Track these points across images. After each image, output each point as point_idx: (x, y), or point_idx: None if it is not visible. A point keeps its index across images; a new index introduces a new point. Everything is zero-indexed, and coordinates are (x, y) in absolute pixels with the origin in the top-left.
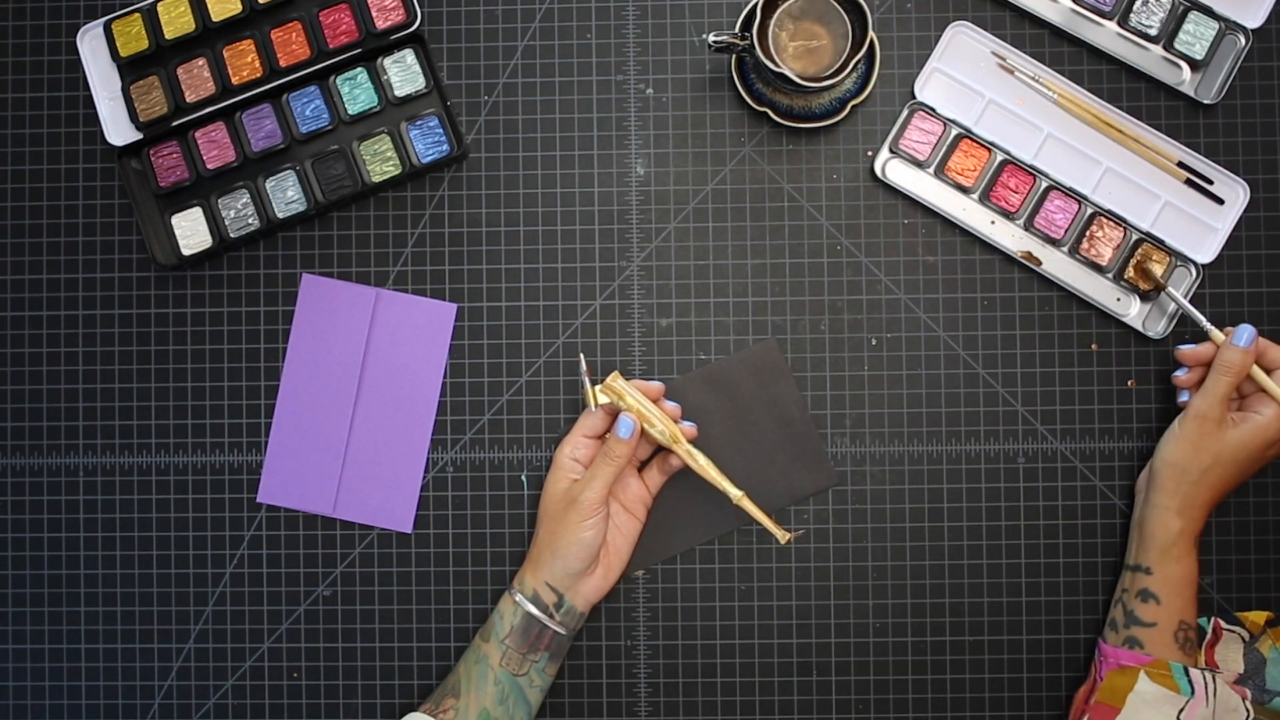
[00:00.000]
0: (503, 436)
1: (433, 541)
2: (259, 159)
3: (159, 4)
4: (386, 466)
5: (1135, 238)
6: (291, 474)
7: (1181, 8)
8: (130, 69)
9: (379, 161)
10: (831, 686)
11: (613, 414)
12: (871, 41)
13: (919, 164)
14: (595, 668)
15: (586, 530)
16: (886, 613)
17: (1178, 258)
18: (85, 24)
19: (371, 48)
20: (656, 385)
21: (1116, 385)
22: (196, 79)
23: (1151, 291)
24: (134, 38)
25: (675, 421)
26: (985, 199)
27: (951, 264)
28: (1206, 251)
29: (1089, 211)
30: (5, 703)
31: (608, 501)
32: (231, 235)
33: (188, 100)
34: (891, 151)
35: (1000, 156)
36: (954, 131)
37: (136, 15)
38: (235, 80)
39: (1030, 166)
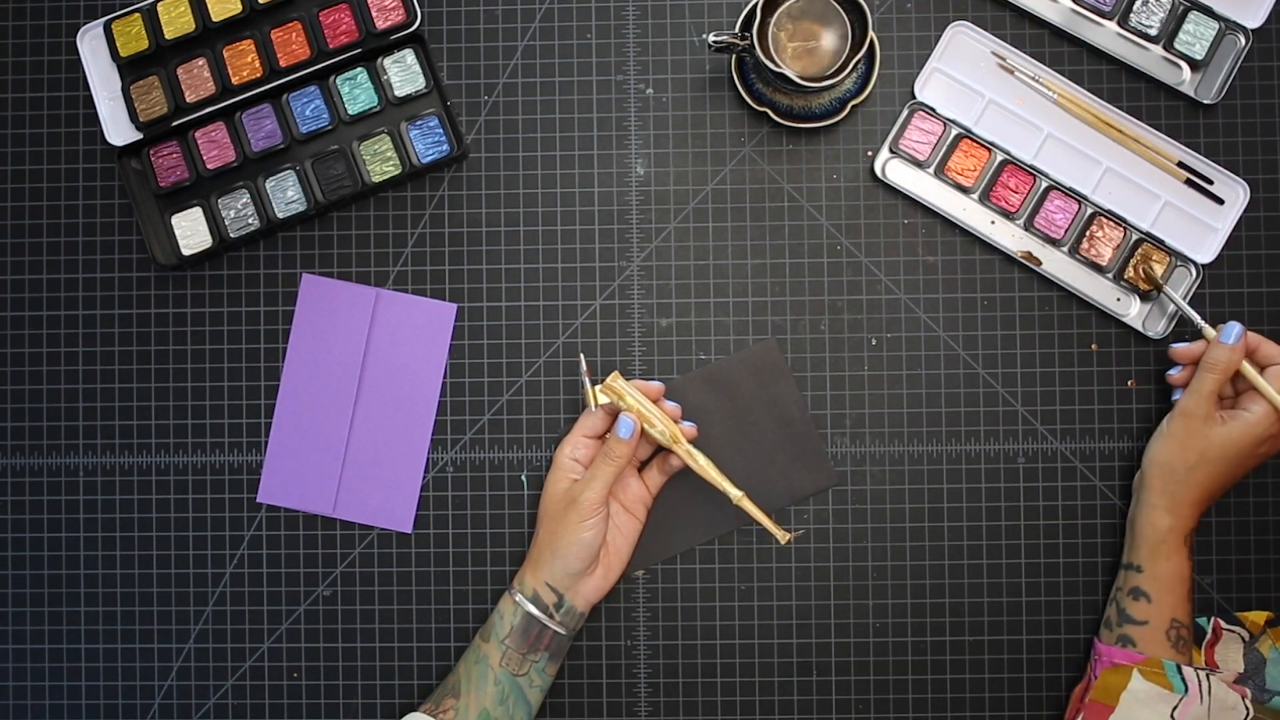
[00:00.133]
0: (503, 436)
1: (433, 541)
2: (259, 159)
3: (159, 4)
4: (386, 466)
5: (1135, 238)
6: (291, 474)
7: (1181, 8)
8: (130, 69)
9: (379, 161)
10: (831, 686)
11: (613, 414)
12: (871, 41)
13: (919, 164)
14: (595, 668)
15: (586, 530)
16: (886, 613)
17: (1178, 258)
18: (85, 24)
19: (371, 48)
20: (656, 385)
21: (1116, 385)
22: (196, 79)
23: (1151, 291)
24: (134, 38)
25: (675, 421)
26: (985, 199)
27: (951, 264)
28: (1206, 251)
29: (1089, 211)
30: (5, 703)
31: (608, 502)
32: (231, 235)
33: (188, 100)
34: (891, 151)
35: (1000, 156)
36: (954, 131)
37: (136, 15)
38: (235, 80)
39: (1030, 166)
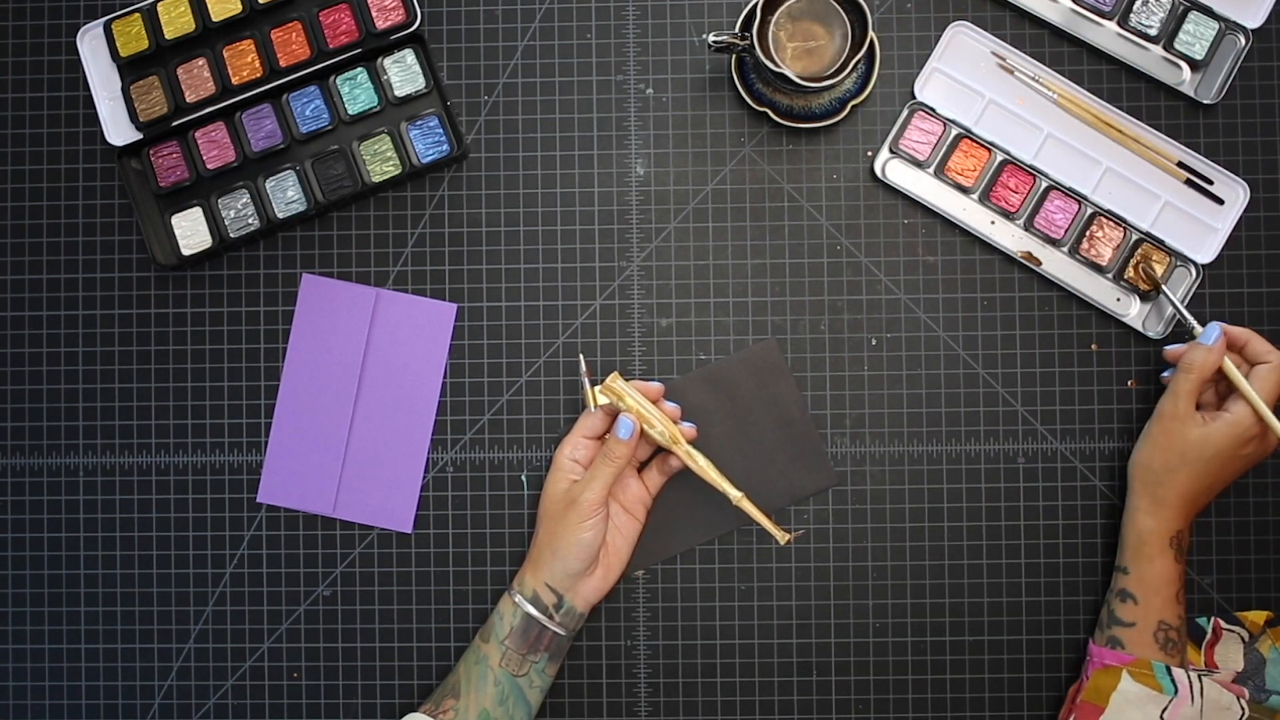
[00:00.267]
0: (503, 436)
1: (433, 541)
2: (259, 159)
3: (159, 4)
4: (386, 466)
5: (1135, 238)
6: (291, 474)
7: (1181, 8)
8: (130, 69)
9: (379, 161)
10: (831, 686)
11: (612, 415)
12: (871, 41)
13: (919, 164)
14: (595, 668)
15: (586, 531)
16: (886, 613)
17: (1178, 258)
18: (85, 24)
19: (371, 48)
20: (656, 386)
21: (1116, 385)
22: (196, 79)
23: (1151, 291)
24: (134, 38)
25: (675, 422)
26: (985, 199)
27: (951, 264)
28: (1206, 251)
29: (1089, 211)
30: (5, 703)
31: (607, 502)
32: (231, 235)
33: (188, 100)
34: (891, 151)
35: (1000, 156)
36: (954, 131)
37: (136, 15)
38: (235, 80)
39: (1030, 166)
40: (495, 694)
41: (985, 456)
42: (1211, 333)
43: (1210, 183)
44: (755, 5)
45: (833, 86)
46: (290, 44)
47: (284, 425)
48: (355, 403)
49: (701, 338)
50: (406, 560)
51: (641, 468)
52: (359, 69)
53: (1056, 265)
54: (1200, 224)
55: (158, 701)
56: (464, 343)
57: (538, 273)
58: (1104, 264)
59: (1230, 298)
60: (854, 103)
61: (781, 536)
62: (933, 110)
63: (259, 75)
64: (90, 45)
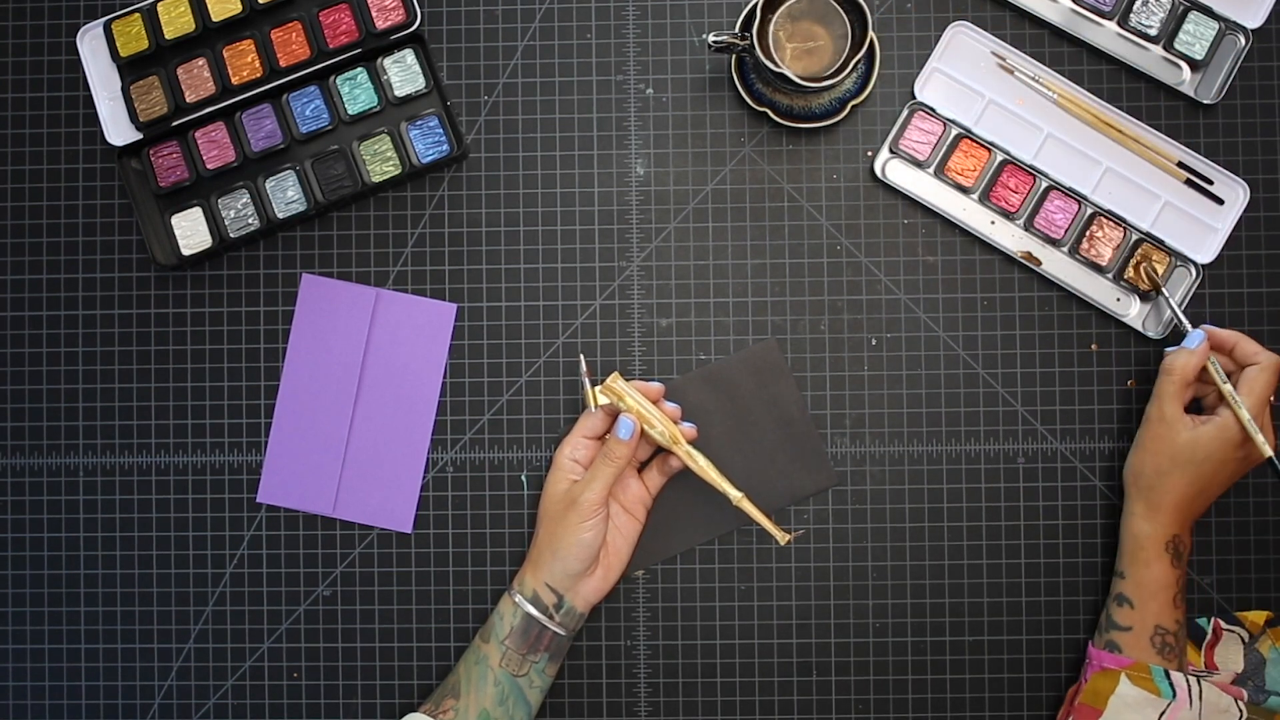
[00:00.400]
0: (503, 436)
1: (433, 541)
2: (259, 159)
3: (159, 4)
4: (386, 466)
5: (1135, 238)
6: (291, 474)
7: (1181, 8)
8: (130, 69)
9: (379, 161)
10: (831, 686)
11: (612, 415)
12: (871, 41)
13: (919, 164)
14: (595, 668)
15: (586, 531)
16: (886, 613)
17: (1178, 258)
18: (85, 24)
19: (371, 48)
20: (656, 386)
21: (1116, 385)
22: (196, 79)
23: (1151, 292)
24: (134, 38)
25: (675, 422)
26: (985, 199)
27: (951, 264)
28: (1206, 252)
29: (1089, 211)
30: (5, 703)
31: (607, 502)
32: (231, 235)
33: (188, 100)
34: (891, 151)
35: (1000, 156)
36: (954, 131)
37: (136, 15)
38: (235, 80)
39: (1030, 166)
40: (495, 694)
41: (985, 456)
42: (1194, 337)
43: (1210, 183)
44: (755, 5)
45: (833, 86)
46: (290, 44)
47: (284, 425)
48: (355, 403)
49: (701, 338)
50: (406, 560)
51: (642, 468)
52: (359, 69)
53: (1056, 265)
54: (1200, 224)
55: (158, 701)
56: (464, 343)
57: (538, 273)
58: (1104, 264)
59: (1230, 298)
60: (854, 103)
61: (781, 537)
62: (933, 110)
63: (259, 75)
64: (90, 45)
